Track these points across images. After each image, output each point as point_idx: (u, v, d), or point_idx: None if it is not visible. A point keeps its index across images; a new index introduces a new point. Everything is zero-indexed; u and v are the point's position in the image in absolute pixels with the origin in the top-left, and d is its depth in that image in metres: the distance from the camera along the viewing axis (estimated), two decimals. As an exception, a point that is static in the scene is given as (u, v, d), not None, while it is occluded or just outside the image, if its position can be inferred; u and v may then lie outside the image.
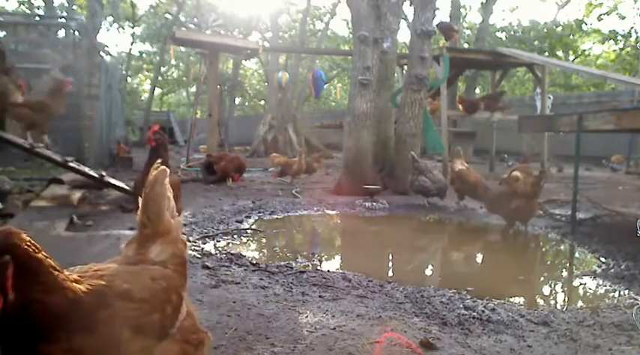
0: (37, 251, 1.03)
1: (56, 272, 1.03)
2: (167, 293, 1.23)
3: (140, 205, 1.45)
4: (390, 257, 4.24)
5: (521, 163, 5.43)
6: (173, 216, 1.52)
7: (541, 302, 3.04)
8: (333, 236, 5.24)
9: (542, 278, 3.64)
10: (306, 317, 2.34)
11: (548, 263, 4.17)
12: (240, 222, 4.90)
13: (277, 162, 8.64)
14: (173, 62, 29.16)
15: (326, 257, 3.95)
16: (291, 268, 3.20)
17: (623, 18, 23.83)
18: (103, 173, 5.38)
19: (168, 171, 1.52)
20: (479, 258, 4.39)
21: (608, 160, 13.29)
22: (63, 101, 5.56)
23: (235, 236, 4.31)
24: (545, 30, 23.11)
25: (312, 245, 4.58)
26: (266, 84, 26.73)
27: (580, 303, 3.00)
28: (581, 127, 4.28)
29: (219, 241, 4.10)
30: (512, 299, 2.85)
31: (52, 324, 0.98)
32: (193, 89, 29.15)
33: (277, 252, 4.02)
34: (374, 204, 6.03)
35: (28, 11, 23.87)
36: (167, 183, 1.50)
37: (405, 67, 9.35)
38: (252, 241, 4.30)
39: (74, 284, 1.06)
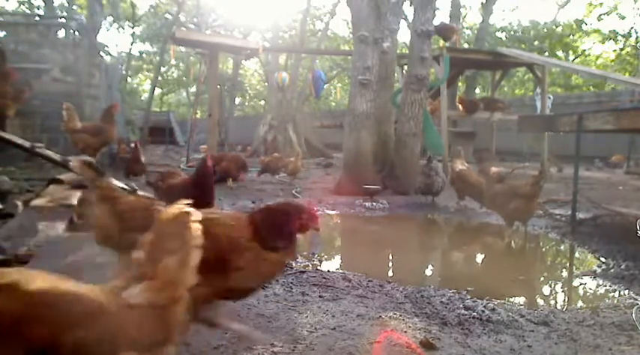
0: None
1: None
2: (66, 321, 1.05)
3: (147, 239, 1.34)
4: (390, 257, 4.24)
5: (480, 164, 5.50)
6: (183, 265, 1.31)
7: (541, 302, 3.03)
8: (333, 236, 5.24)
9: (542, 278, 3.64)
10: (306, 317, 2.33)
11: (548, 263, 4.17)
12: (240, 222, 4.89)
13: (260, 162, 9.06)
14: (173, 62, 29.14)
15: (326, 257, 3.95)
16: (291, 268, 3.20)
17: (623, 18, 23.88)
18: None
19: (197, 216, 1.34)
20: (479, 258, 4.39)
21: (602, 160, 13.42)
22: (115, 125, 6.40)
23: (235, 236, 4.30)
24: (545, 30, 23.13)
25: (312, 245, 4.58)
26: (266, 84, 26.75)
27: (580, 303, 3.00)
28: (581, 127, 4.28)
29: (219, 241, 4.09)
30: (512, 299, 2.85)
31: None
32: (193, 89, 29.17)
33: (277, 252, 4.01)
34: (374, 204, 6.03)
35: (28, 11, 23.89)
36: (190, 227, 1.33)
37: (405, 67, 9.36)
38: (252, 241, 4.28)
39: None
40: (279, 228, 1.85)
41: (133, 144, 7.04)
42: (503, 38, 24.05)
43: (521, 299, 2.95)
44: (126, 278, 1.29)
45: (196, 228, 1.35)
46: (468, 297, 2.67)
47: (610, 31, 23.10)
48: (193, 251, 1.34)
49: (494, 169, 5.39)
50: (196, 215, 1.38)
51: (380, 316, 2.37)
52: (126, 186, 5.29)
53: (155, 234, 1.34)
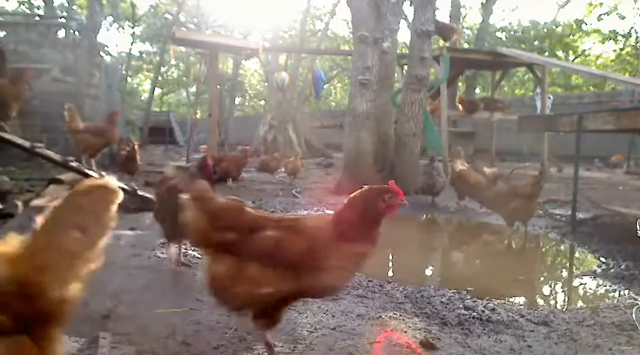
0: None
1: None
2: None
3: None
4: (390, 257, 4.23)
5: (473, 163, 5.65)
6: (89, 244, 1.13)
7: (541, 302, 3.03)
8: (333, 236, 5.24)
9: (542, 278, 3.64)
10: (306, 317, 2.33)
11: (548, 263, 4.17)
12: (240, 222, 4.89)
13: (259, 161, 9.28)
14: (173, 62, 29.16)
15: (326, 257, 3.94)
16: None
17: (623, 18, 23.89)
18: (103, 173, 5.38)
19: (111, 189, 1.16)
20: (479, 257, 4.39)
21: (602, 160, 13.44)
22: (117, 127, 6.73)
23: (235, 236, 4.30)
24: (545, 30, 23.15)
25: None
26: (266, 84, 26.75)
27: (580, 303, 3.00)
28: (581, 127, 4.28)
29: (219, 241, 4.08)
30: (512, 299, 2.84)
31: None
32: (193, 89, 29.17)
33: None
34: (374, 204, 6.02)
35: (28, 11, 23.89)
36: (110, 205, 1.15)
37: (405, 67, 9.36)
38: (252, 241, 4.28)
39: None
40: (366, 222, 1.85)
41: (131, 144, 7.19)
42: (503, 38, 24.07)
43: (521, 299, 2.95)
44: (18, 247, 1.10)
45: (114, 208, 1.17)
46: (468, 297, 2.67)
47: (610, 31, 23.12)
48: (106, 231, 1.17)
49: (487, 170, 5.41)
50: (120, 194, 1.21)
51: (380, 316, 2.37)
52: (126, 186, 5.29)
53: (64, 205, 1.15)
